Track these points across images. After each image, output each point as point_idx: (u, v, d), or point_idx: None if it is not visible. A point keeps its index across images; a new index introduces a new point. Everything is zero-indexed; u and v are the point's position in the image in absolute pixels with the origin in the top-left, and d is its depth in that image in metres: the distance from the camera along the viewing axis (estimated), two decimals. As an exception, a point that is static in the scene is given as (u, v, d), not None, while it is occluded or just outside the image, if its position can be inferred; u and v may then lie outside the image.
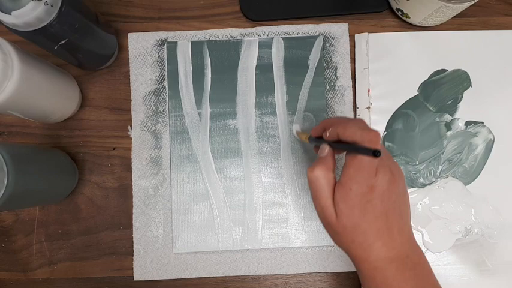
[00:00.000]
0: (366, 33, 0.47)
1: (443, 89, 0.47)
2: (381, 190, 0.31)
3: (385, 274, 0.32)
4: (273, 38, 0.47)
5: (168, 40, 0.47)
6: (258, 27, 0.48)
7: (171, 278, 0.45)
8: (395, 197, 0.32)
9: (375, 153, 0.28)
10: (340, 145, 0.33)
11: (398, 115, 0.47)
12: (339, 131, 0.32)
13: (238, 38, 0.47)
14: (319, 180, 0.33)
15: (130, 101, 0.47)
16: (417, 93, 0.47)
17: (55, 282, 0.45)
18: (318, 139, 0.37)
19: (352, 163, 0.31)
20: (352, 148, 0.31)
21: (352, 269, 0.45)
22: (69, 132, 0.47)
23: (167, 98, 0.47)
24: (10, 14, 0.32)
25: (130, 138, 0.46)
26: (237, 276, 0.45)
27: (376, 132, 0.31)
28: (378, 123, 0.47)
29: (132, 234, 0.45)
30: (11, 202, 0.34)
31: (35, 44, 0.37)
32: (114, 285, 0.45)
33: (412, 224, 0.45)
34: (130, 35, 0.47)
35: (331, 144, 0.34)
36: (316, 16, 0.48)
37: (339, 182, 0.32)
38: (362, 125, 0.32)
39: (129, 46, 0.47)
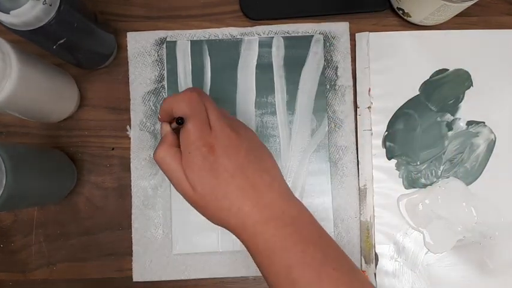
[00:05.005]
0: (367, 32, 0.47)
1: (445, 89, 0.47)
2: (222, 146, 0.31)
3: (265, 237, 0.30)
4: (273, 37, 0.47)
5: (167, 39, 0.47)
6: (258, 26, 0.47)
7: (171, 279, 0.45)
8: (245, 152, 0.32)
9: (178, 121, 0.30)
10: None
11: (400, 115, 0.46)
12: (164, 108, 0.33)
13: (238, 37, 0.47)
14: (165, 160, 0.32)
15: (129, 100, 0.46)
16: (418, 92, 0.47)
17: (54, 283, 0.45)
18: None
19: (182, 130, 0.31)
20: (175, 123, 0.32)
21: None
22: (68, 132, 0.46)
23: (166, 98, 0.46)
24: (9, 14, 0.31)
25: (129, 138, 0.46)
26: (236, 277, 0.45)
27: (182, 95, 0.31)
28: (379, 123, 0.46)
29: (131, 234, 0.45)
30: (9, 202, 0.34)
31: (34, 43, 0.37)
32: (113, 286, 0.45)
33: (413, 225, 0.45)
34: (129, 34, 0.47)
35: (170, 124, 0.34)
36: (316, 15, 0.48)
37: (181, 154, 0.32)
38: (177, 94, 0.32)
39: (128, 45, 0.47)
